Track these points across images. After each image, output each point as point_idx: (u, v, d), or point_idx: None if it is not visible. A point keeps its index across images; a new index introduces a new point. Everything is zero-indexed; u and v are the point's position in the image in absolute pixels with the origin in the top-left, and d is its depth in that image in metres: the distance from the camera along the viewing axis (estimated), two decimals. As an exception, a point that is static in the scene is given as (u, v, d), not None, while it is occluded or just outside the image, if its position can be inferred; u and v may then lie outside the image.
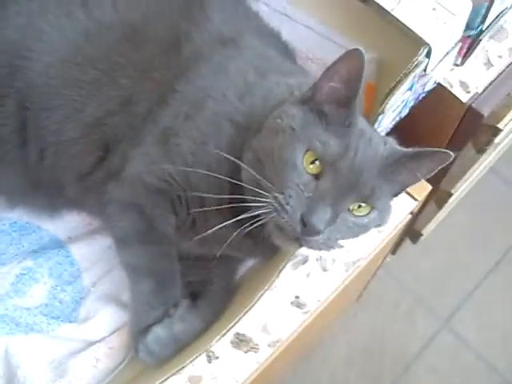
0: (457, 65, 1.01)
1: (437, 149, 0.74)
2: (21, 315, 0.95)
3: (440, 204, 1.30)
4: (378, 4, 0.86)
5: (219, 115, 0.83)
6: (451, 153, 0.73)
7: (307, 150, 0.72)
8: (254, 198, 0.73)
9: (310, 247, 0.74)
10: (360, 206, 0.74)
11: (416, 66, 0.83)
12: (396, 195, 0.80)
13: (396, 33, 0.97)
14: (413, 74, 0.83)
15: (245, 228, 0.74)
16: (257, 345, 0.86)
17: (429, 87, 0.98)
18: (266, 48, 0.92)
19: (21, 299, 0.97)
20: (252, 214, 0.73)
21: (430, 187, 1.00)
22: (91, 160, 0.90)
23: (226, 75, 0.85)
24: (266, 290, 0.87)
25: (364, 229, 0.77)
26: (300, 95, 0.78)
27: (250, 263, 0.99)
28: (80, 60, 0.88)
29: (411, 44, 0.91)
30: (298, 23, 1.04)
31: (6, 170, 0.95)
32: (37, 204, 1.00)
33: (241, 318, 0.86)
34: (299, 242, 0.73)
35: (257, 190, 0.73)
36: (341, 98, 0.72)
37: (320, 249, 0.75)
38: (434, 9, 0.86)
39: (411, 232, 1.48)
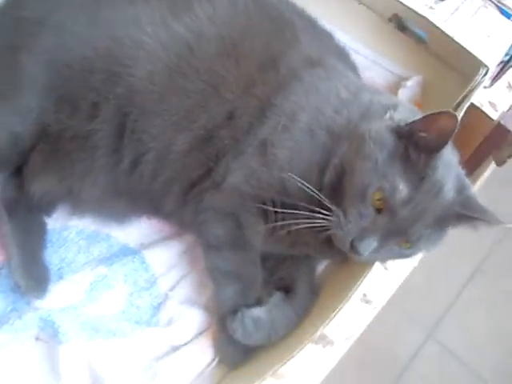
0: (485, 87, 1.15)
1: (496, 217, 0.84)
2: (103, 321, 0.94)
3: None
4: (441, 31, 0.97)
5: (314, 126, 0.89)
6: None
7: (378, 188, 0.81)
8: (324, 211, 0.83)
9: (356, 259, 0.86)
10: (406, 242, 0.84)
11: (478, 83, 0.95)
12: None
13: (434, 60, 1.12)
14: (476, 91, 0.95)
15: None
16: (332, 340, 0.92)
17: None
18: (346, 69, 1.00)
19: (95, 306, 0.97)
20: (321, 224, 0.83)
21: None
22: (201, 171, 0.93)
23: (316, 93, 0.92)
24: (353, 294, 0.92)
25: (406, 257, 0.89)
26: (396, 124, 0.84)
27: (322, 266, 1.05)
28: (185, 69, 0.92)
29: (448, 69, 1.06)
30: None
31: (91, 176, 0.95)
32: (110, 212, 1.01)
33: (330, 321, 0.90)
34: (348, 253, 0.85)
35: (327, 203, 0.83)
36: (428, 146, 0.81)
37: (365, 261, 0.88)
38: (489, 36, 0.99)
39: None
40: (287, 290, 0.96)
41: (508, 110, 1.13)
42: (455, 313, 1.75)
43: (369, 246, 0.81)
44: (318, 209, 0.83)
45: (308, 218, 0.83)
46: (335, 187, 0.84)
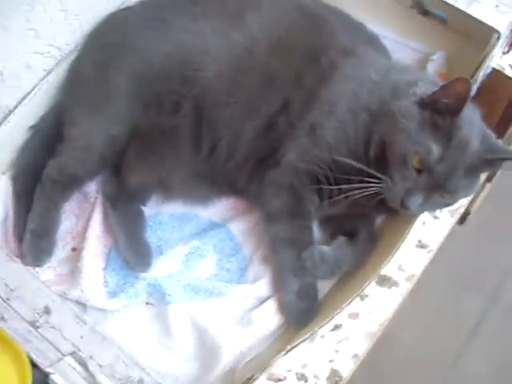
0: (504, 53, 1.29)
1: None
2: (200, 284, 1.11)
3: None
4: (455, 7, 1.14)
5: (354, 107, 1.06)
6: None
7: (415, 153, 0.98)
8: (374, 180, 1.00)
9: (408, 213, 1.03)
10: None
11: (493, 46, 1.11)
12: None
13: (455, 36, 1.29)
14: (492, 53, 1.10)
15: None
16: (396, 281, 1.06)
17: (486, 72, 1.26)
18: (377, 54, 1.17)
19: (192, 273, 1.15)
20: (375, 190, 1.00)
21: None
22: (268, 152, 1.11)
23: (352, 80, 1.09)
24: (403, 241, 1.06)
25: (450, 205, 1.05)
26: (419, 98, 1.01)
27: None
28: (245, 68, 1.11)
29: (467, 41, 1.24)
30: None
31: (177, 165, 1.15)
32: (195, 195, 1.19)
33: (390, 259, 1.05)
34: (400, 210, 1.02)
35: (374, 171, 0.99)
36: (450, 110, 0.96)
37: (416, 214, 1.04)
38: (497, 6, 1.15)
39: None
40: (350, 237, 1.13)
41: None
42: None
43: (416, 201, 0.98)
44: (368, 179, 1.00)
45: (361, 188, 1.00)
46: (380, 159, 1.02)
